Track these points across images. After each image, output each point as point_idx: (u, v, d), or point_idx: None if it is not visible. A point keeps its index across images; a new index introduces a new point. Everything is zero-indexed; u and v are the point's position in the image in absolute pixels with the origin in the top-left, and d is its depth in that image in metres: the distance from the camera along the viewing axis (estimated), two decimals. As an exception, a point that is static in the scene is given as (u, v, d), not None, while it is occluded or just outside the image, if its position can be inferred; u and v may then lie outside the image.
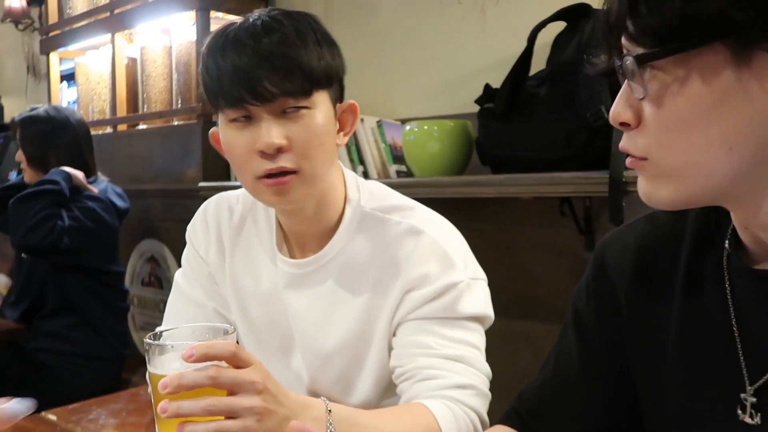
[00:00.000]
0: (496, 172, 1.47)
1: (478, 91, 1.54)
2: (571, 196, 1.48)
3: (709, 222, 0.61)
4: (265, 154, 0.83)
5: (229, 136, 0.86)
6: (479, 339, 0.89)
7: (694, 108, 0.50)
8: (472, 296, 0.88)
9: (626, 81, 0.53)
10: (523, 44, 1.45)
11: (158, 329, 1.03)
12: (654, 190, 0.54)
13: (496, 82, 1.49)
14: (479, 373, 0.86)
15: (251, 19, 0.86)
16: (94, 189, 1.99)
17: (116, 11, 2.54)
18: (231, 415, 0.64)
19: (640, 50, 0.51)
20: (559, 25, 1.46)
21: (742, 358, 0.57)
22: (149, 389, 0.69)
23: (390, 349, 0.91)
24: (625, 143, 0.55)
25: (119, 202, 2.05)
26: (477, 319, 0.89)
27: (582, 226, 1.51)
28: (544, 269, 1.60)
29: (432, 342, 0.86)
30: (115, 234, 2.05)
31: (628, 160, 0.56)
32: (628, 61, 0.51)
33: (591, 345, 0.70)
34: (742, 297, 0.58)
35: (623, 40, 0.52)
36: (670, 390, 0.63)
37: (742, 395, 0.56)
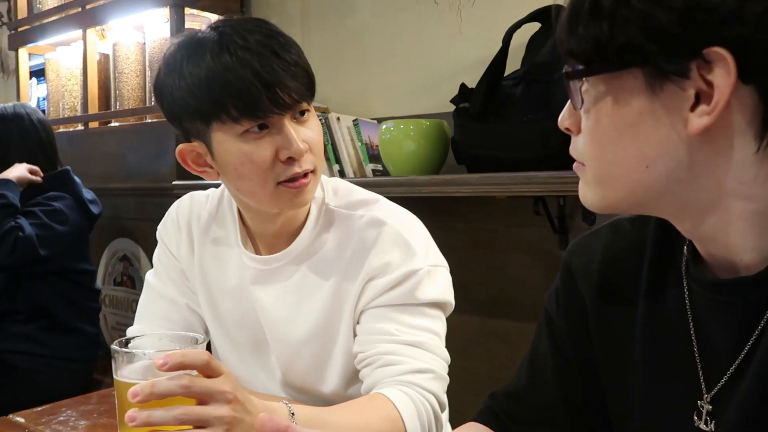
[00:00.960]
0: (472, 171, 1.47)
1: (454, 91, 1.55)
2: (545, 195, 1.49)
3: (670, 230, 0.62)
4: (291, 160, 0.85)
5: (243, 149, 0.85)
6: (439, 325, 0.92)
7: (614, 125, 0.54)
8: (432, 283, 0.90)
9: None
10: (499, 45, 1.46)
11: (128, 331, 1.03)
12: (586, 194, 0.58)
13: (472, 82, 1.50)
14: (438, 358, 0.88)
15: (220, 27, 0.85)
16: (38, 179, 1.93)
17: (88, 7, 2.49)
18: (201, 424, 0.64)
19: (575, 66, 0.55)
20: (534, 26, 1.48)
21: (699, 365, 0.58)
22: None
23: (355, 336, 0.93)
24: (570, 147, 0.59)
25: (92, 206, 2.02)
26: (437, 305, 0.91)
27: (556, 225, 1.53)
28: (519, 268, 1.61)
29: (392, 328, 0.88)
30: (85, 232, 2.02)
31: (574, 164, 0.60)
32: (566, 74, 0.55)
33: (563, 351, 0.71)
34: (699, 305, 0.59)
35: (566, 55, 0.56)
36: (634, 396, 0.64)
37: (699, 402, 0.58)
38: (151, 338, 0.74)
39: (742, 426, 0.54)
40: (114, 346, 0.68)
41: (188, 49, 0.85)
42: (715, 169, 0.52)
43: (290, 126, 0.85)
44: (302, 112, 0.87)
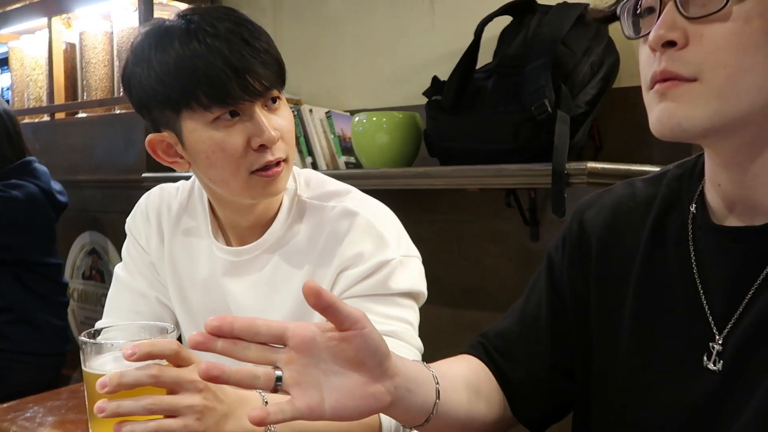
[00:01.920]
0: (444, 163, 1.48)
1: (427, 83, 1.55)
2: (516, 187, 1.51)
3: (681, 186, 0.65)
4: (263, 148, 0.85)
5: (213, 137, 0.84)
6: (412, 315, 0.92)
7: (764, 27, 0.50)
8: (405, 273, 0.91)
9: (672, 3, 0.53)
10: (471, 37, 1.47)
11: (97, 325, 1.01)
12: (692, 112, 0.53)
13: (444, 75, 1.51)
14: (411, 347, 0.89)
15: (188, 15, 0.84)
16: None
17: (53, -6, 2.44)
18: (171, 413, 0.63)
19: None
20: (506, 19, 1.48)
21: (707, 308, 0.60)
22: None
23: None
24: (672, 64, 0.54)
25: (60, 197, 1.98)
26: (410, 295, 0.92)
27: (527, 217, 1.54)
28: (491, 259, 1.63)
29: None
30: (49, 223, 1.97)
31: (662, 85, 0.54)
32: None
33: (560, 292, 0.73)
34: (704, 252, 0.61)
35: None
36: (626, 342, 0.66)
37: (711, 344, 0.59)
38: (122, 329, 0.73)
39: (753, 365, 0.56)
40: (82, 337, 0.67)
41: (156, 38, 0.84)
42: None
43: (261, 113, 0.85)
44: (274, 100, 0.87)
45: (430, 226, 1.70)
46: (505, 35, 1.49)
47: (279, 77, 0.86)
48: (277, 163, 0.87)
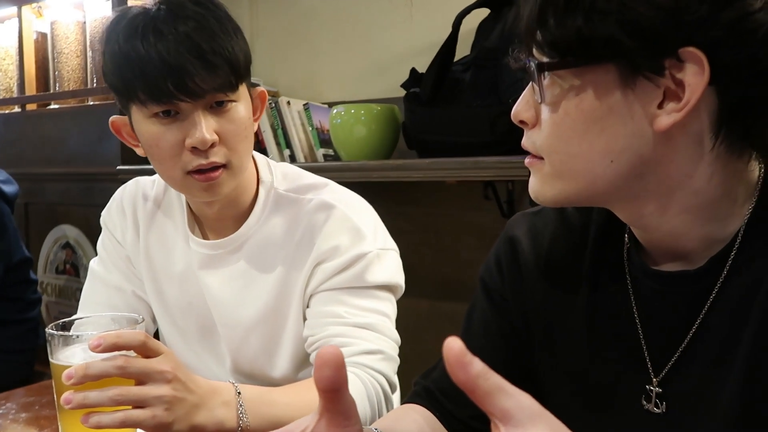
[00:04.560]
0: (422, 156, 1.48)
1: (405, 76, 1.55)
2: (494, 179, 1.52)
3: (612, 216, 0.64)
4: (196, 150, 0.83)
5: (151, 131, 0.84)
6: (389, 307, 0.92)
7: (582, 118, 0.54)
8: (382, 266, 0.91)
9: (531, 82, 0.56)
10: (449, 30, 1.47)
11: (63, 320, 1.00)
12: (542, 189, 0.58)
13: (422, 67, 1.51)
14: (388, 339, 0.89)
15: (161, 5, 0.83)
16: None
17: (23, -18, 2.38)
18: (139, 404, 0.63)
19: (543, 58, 0.54)
20: (483, 12, 1.49)
21: (645, 350, 0.60)
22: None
23: (305, 320, 0.93)
24: (524, 141, 0.59)
25: (5, 187, 1.88)
26: (387, 287, 0.92)
27: (505, 209, 1.55)
28: (469, 251, 1.64)
29: (342, 311, 0.88)
30: (5, 219, 1.90)
31: (526, 160, 0.59)
32: (532, 66, 0.54)
33: (505, 318, 0.71)
34: (642, 292, 0.61)
35: (533, 46, 0.55)
36: (568, 378, 0.65)
37: (648, 386, 0.59)
38: (92, 321, 0.72)
39: (694, 406, 0.57)
40: (49, 330, 0.67)
41: (112, 26, 0.85)
42: (669, 165, 0.53)
43: (201, 115, 0.82)
44: (221, 103, 0.84)
45: (408, 218, 1.70)
46: (483, 28, 1.49)
47: (228, 81, 0.82)
48: (214, 168, 0.84)
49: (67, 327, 0.69)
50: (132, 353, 0.64)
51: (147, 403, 0.63)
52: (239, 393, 0.73)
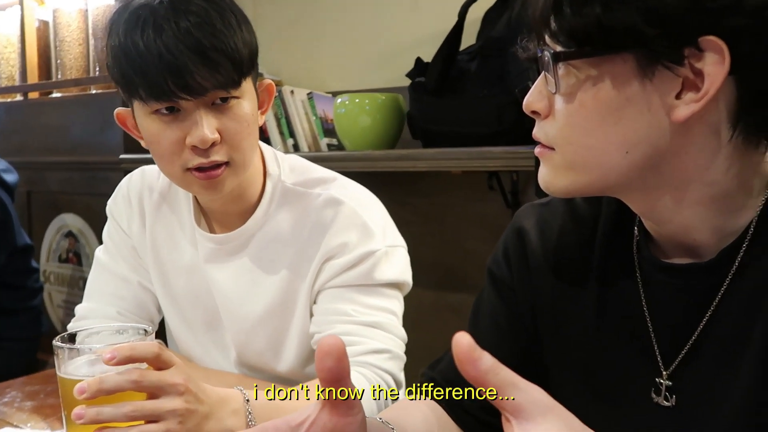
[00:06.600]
0: (427, 146, 1.47)
1: (410, 65, 1.54)
2: (499, 170, 1.51)
3: (620, 206, 0.63)
4: (197, 149, 0.81)
5: (152, 128, 0.83)
6: (396, 305, 0.92)
7: (598, 109, 0.53)
8: (390, 263, 0.90)
9: (543, 72, 0.55)
10: (454, 18, 1.45)
11: (77, 309, 1.00)
12: (554, 180, 0.57)
13: (428, 56, 1.50)
14: (395, 338, 0.89)
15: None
16: None
17: (25, -31, 2.36)
18: (153, 419, 0.62)
19: (558, 48, 0.53)
20: (490, 0, 1.47)
21: (655, 343, 0.60)
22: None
23: (311, 317, 0.92)
24: (536, 131, 0.58)
25: (6, 176, 1.88)
26: (394, 285, 0.91)
27: (509, 200, 1.55)
28: (474, 242, 1.63)
29: (349, 309, 0.87)
30: (7, 207, 1.90)
31: (536, 149, 0.58)
32: (547, 56, 0.53)
33: (514, 310, 0.70)
34: (652, 285, 0.61)
35: (546, 35, 0.54)
36: (576, 373, 0.64)
37: (658, 380, 0.59)
38: (97, 332, 0.71)
39: (704, 399, 0.56)
40: (56, 342, 0.65)
41: (114, 17, 0.83)
42: (685, 156, 0.53)
43: (203, 113, 0.80)
44: (224, 99, 0.82)
45: (413, 208, 1.70)
46: (489, 17, 1.48)
47: (230, 78, 0.80)
48: (215, 167, 0.83)
49: (72, 338, 0.68)
50: (143, 365, 0.64)
51: (161, 417, 0.62)
52: (247, 400, 0.72)
